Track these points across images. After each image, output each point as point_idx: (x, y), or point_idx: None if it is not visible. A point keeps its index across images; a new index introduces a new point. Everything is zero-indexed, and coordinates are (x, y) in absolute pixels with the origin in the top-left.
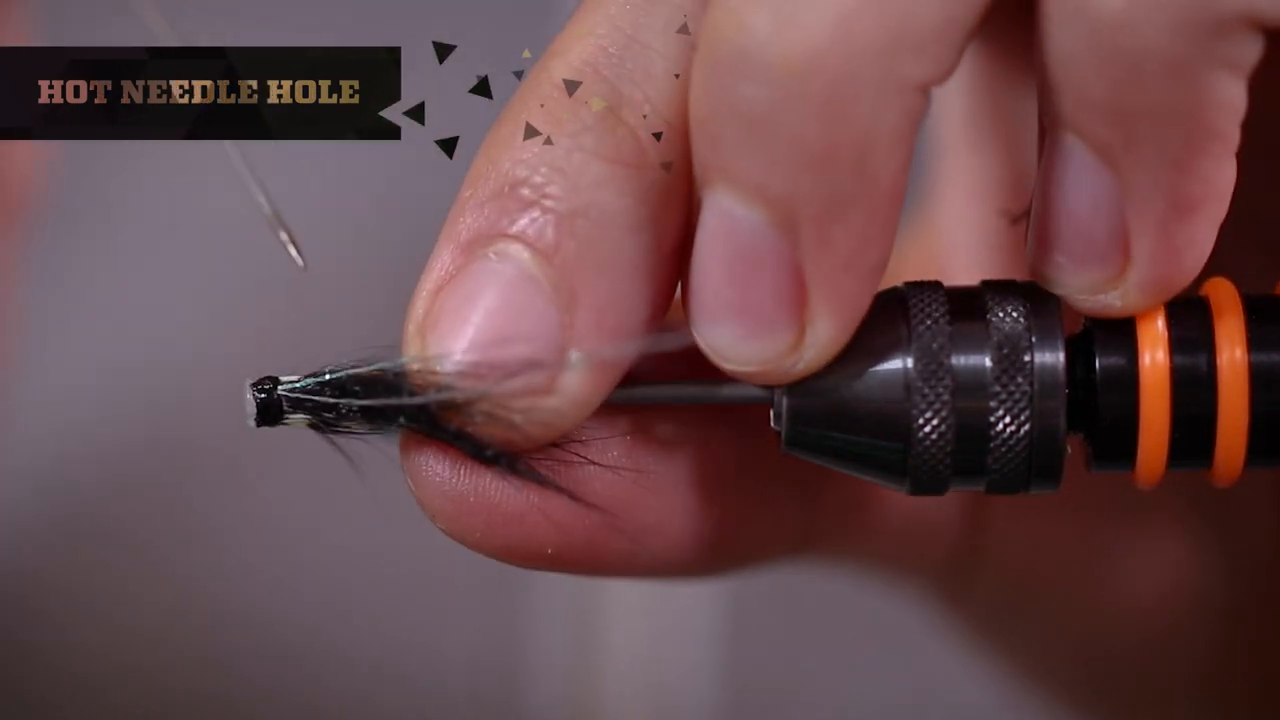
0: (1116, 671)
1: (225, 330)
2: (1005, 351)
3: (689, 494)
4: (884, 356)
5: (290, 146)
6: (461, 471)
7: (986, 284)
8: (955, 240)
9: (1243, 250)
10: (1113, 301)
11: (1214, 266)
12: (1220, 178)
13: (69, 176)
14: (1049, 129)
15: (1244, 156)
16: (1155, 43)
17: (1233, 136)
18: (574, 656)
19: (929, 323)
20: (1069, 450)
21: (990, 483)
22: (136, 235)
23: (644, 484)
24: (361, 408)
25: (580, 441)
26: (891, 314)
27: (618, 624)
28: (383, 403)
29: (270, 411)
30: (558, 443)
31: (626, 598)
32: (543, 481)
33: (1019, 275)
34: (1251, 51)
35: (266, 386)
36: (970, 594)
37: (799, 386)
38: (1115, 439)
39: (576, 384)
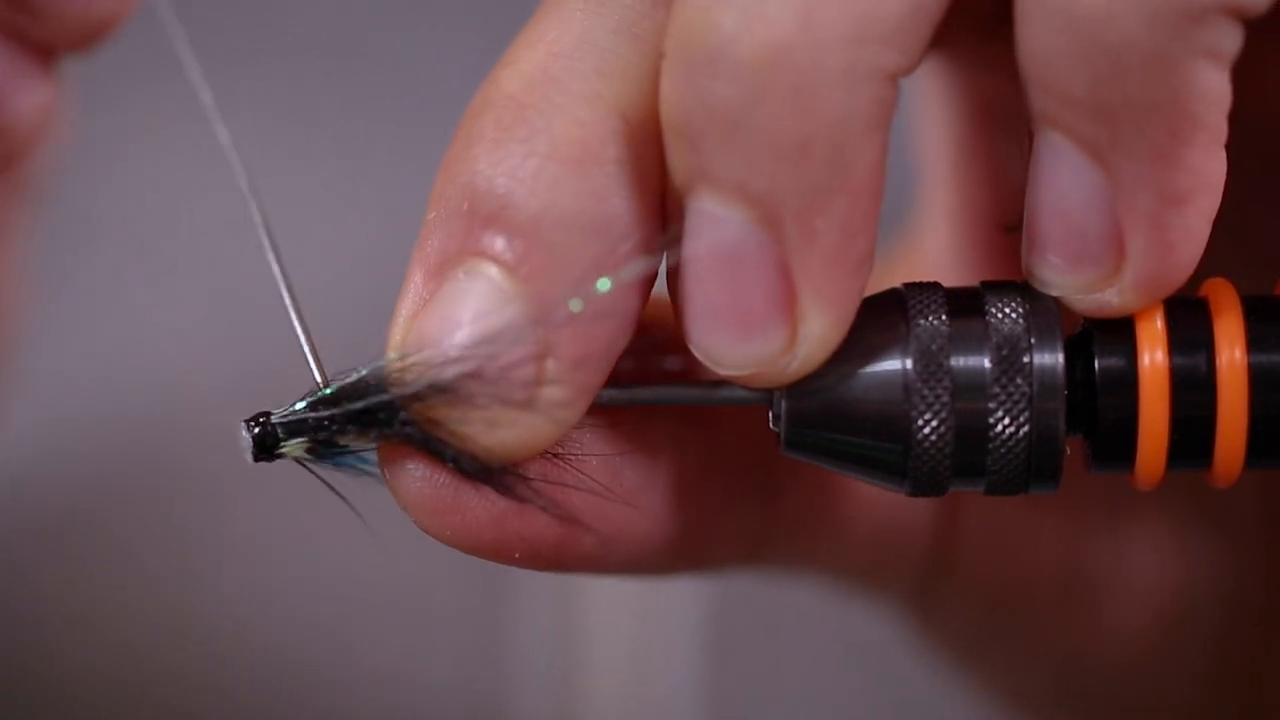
0: (1098, 689)
1: (217, 341)
2: (1004, 352)
3: (656, 497)
4: (883, 357)
5: (286, 156)
6: (438, 471)
7: (985, 285)
8: (940, 262)
9: (1235, 253)
10: (1109, 299)
11: (1207, 269)
12: (1209, 169)
13: (63, 185)
14: (1034, 129)
15: (1234, 160)
16: (1134, 35)
17: (1219, 127)
18: (558, 668)
19: (928, 323)
20: (1068, 451)
21: (990, 484)
22: (124, 243)
23: (616, 489)
24: (353, 414)
25: (564, 454)
26: (890, 315)
27: (602, 635)
28: (369, 403)
29: (266, 443)
30: (552, 451)
31: (611, 609)
32: (523, 496)
33: None
34: (1231, 40)
35: (260, 420)
36: (943, 607)
37: (798, 388)
38: (1115, 440)
39: (559, 393)
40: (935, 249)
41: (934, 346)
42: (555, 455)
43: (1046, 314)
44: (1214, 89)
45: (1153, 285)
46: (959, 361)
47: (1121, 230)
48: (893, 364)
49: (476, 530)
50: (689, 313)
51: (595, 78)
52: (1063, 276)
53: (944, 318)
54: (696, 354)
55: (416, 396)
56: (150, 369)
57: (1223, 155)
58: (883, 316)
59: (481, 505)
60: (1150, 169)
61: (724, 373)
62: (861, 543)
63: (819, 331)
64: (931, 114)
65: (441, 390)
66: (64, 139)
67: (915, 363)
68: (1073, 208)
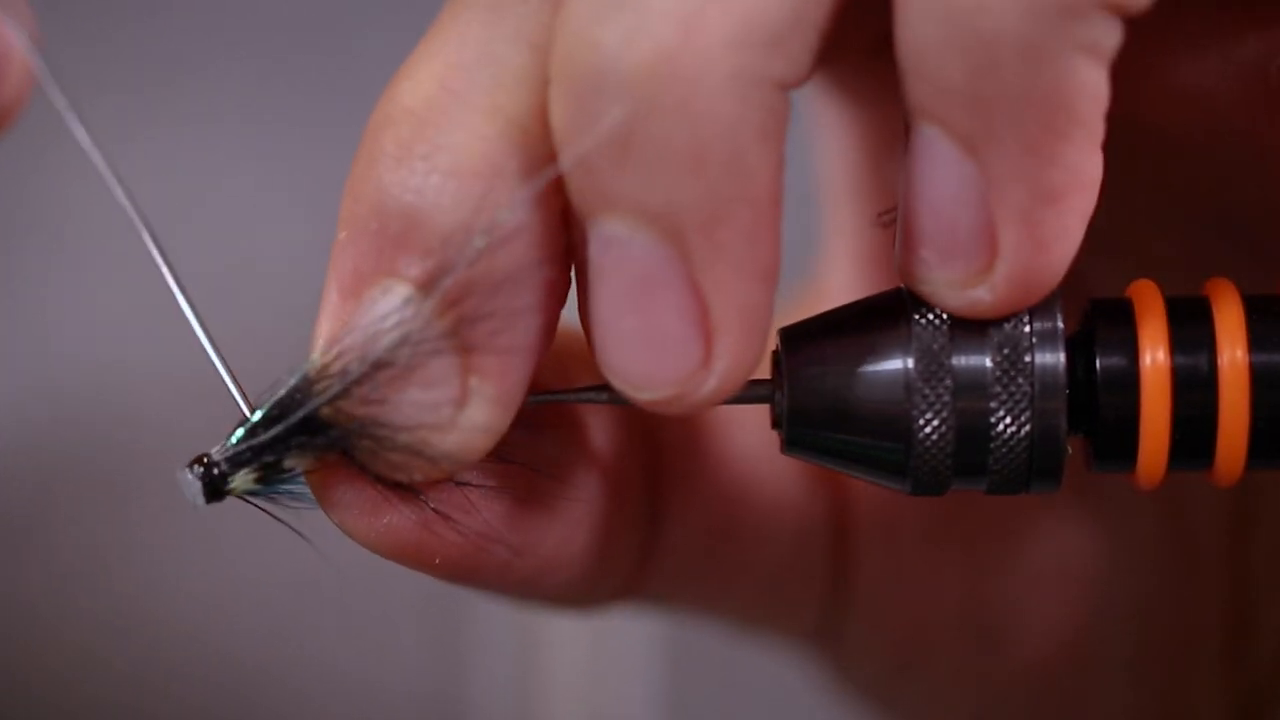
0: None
1: (169, 342)
2: (1006, 352)
3: (567, 514)
4: (884, 357)
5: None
6: (363, 479)
7: None
8: (841, 300)
9: (1106, 263)
10: (981, 297)
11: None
12: (1084, 166)
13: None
14: (910, 123)
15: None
16: (1011, 25)
17: (1096, 125)
18: (517, 689)
19: (929, 323)
20: (1070, 451)
21: (991, 483)
22: (77, 238)
23: (533, 509)
24: (291, 429)
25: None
26: (891, 314)
27: (560, 656)
28: (303, 413)
29: (215, 483)
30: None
31: (569, 630)
32: (439, 512)
33: None
34: (1110, 36)
35: (203, 461)
36: (849, 648)
37: (800, 387)
38: (1116, 439)
39: (482, 406)
40: (840, 289)
41: (935, 346)
42: (484, 466)
43: (1048, 313)
44: (1091, 85)
45: (1025, 283)
46: (960, 361)
47: (994, 226)
48: (894, 363)
49: (400, 535)
50: (600, 339)
51: (494, 90)
52: (933, 272)
53: (945, 317)
54: (613, 381)
55: (341, 409)
56: (94, 365)
57: (1099, 154)
58: (884, 316)
59: (406, 511)
60: (1024, 164)
61: (641, 398)
62: (755, 584)
63: (733, 345)
64: (830, 151)
65: (366, 404)
66: None
67: (916, 362)
68: (945, 202)
